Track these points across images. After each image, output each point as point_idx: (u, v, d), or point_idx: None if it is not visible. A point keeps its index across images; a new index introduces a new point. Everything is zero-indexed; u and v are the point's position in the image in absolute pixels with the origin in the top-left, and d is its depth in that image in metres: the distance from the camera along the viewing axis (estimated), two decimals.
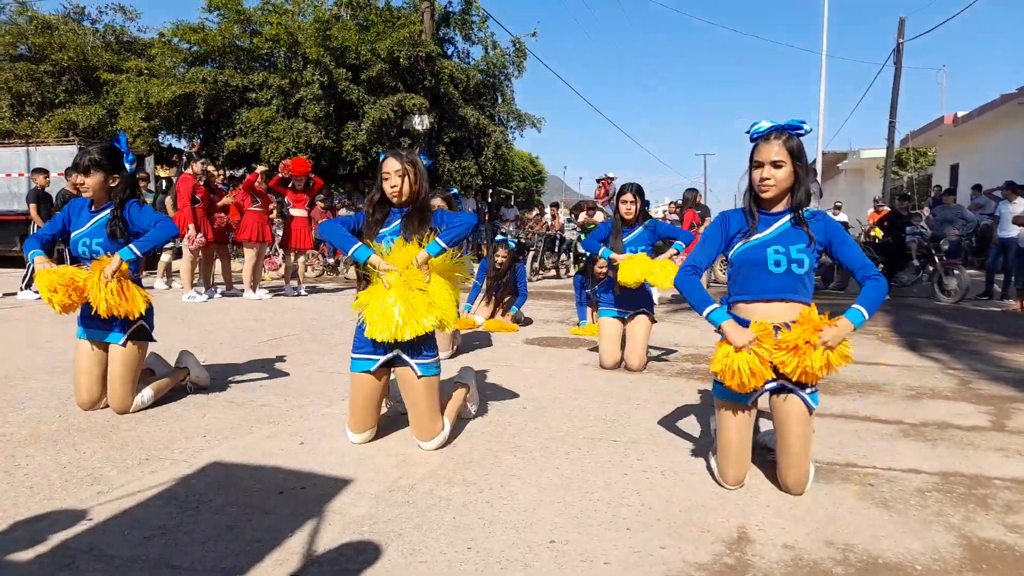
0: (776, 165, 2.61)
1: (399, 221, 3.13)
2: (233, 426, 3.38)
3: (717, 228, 2.79)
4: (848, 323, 2.52)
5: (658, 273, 4.64)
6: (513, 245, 7.34)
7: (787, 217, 2.66)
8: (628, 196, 4.94)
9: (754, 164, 2.66)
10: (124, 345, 3.56)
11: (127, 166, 3.66)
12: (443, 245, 2.98)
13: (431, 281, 2.95)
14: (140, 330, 3.63)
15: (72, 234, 3.60)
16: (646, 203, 5.06)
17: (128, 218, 3.57)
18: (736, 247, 2.71)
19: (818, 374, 2.52)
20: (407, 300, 2.87)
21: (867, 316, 2.55)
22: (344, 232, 3.07)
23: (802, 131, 2.64)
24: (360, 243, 2.99)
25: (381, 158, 3.18)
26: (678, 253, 4.97)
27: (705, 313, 2.66)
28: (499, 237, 7.67)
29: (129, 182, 3.67)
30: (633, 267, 4.67)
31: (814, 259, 2.63)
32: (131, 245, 3.49)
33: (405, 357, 3.06)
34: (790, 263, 2.60)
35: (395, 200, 3.11)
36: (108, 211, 3.57)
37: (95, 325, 3.59)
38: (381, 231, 3.13)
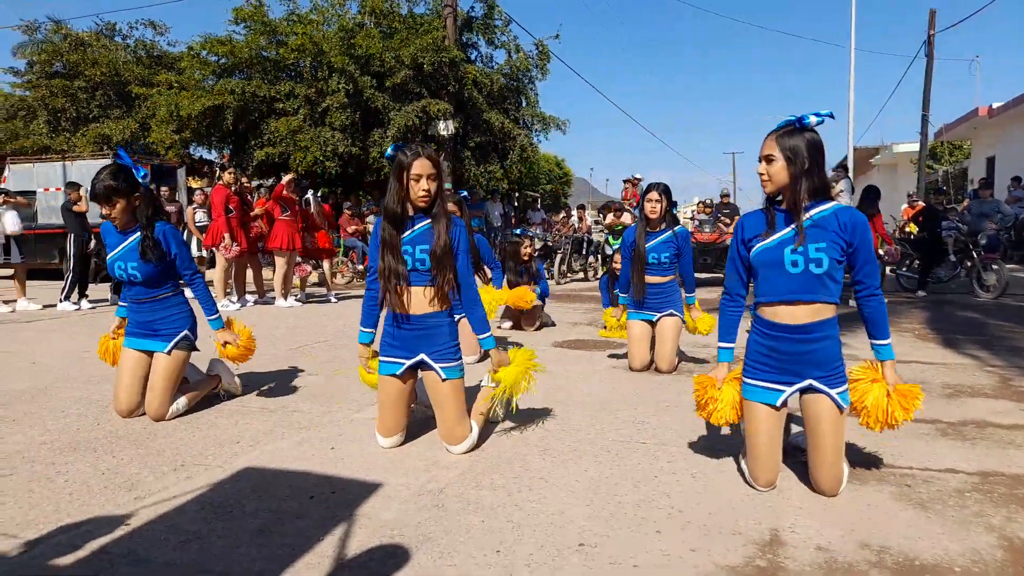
0: (768, 160, 2.58)
1: (417, 228, 3.05)
2: (265, 432, 3.43)
3: (735, 245, 2.78)
4: (892, 363, 2.68)
5: (702, 323, 5.00)
6: (532, 235, 7.42)
7: (807, 214, 2.56)
8: (654, 195, 4.89)
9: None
10: (169, 353, 3.66)
11: (139, 179, 3.64)
12: (492, 335, 3.19)
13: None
14: (184, 340, 3.75)
15: (108, 257, 3.70)
16: (673, 204, 5.01)
17: (160, 240, 3.64)
18: (755, 248, 2.66)
19: (900, 417, 2.59)
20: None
21: (890, 343, 2.68)
22: (371, 312, 3.28)
23: (805, 122, 2.55)
24: (372, 330, 3.28)
25: (389, 153, 3.04)
26: (690, 307, 5.03)
27: (718, 345, 2.88)
28: (519, 230, 7.71)
29: (150, 198, 3.69)
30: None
31: (838, 255, 2.53)
32: (209, 321, 3.81)
33: (429, 361, 3.08)
34: (807, 263, 2.52)
35: (422, 204, 3.00)
36: (137, 233, 3.63)
37: (141, 335, 3.72)
38: (403, 243, 3.05)
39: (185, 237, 10.72)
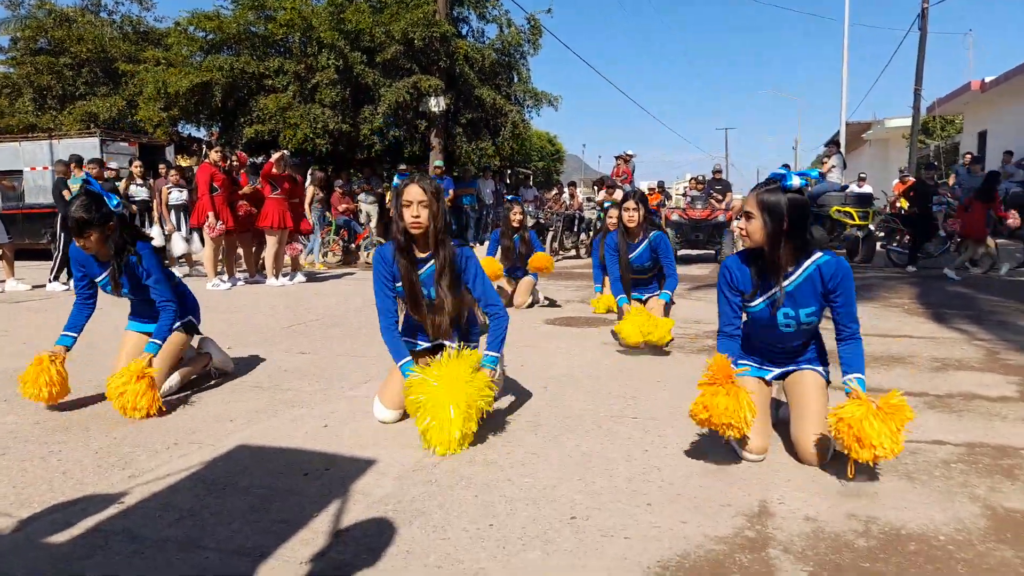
0: (747, 216, 2.60)
1: (427, 269, 3.10)
2: (258, 410, 3.44)
3: (724, 287, 2.76)
4: (861, 392, 2.54)
5: (658, 330, 4.56)
6: (525, 197, 7.43)
7: (796, 273, 2.61)
8: (631, 203, 4.87)
9: None
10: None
11: (111, 208, 3.51)
12: (498, 356, 3.09)
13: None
14: (188, 324, 3.81)
15: (96, 280, 3.69)
16: (650, 212, 5.02)
17: (135, 265, 3.58)
18: (748, 308, 2.73)
19: (890, 447, 2.36)
20: (460, 406, 2.77)
21: (864, 378, 2.62)
22: (399, 345, 3.10)
23: (788, 184, 2.51)
24: (408, 357, 3.05)
25: (397, 183, 3.08)
26: (666, 304, 4.95)
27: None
28: (511, 197, 7.68)
29: (122, 225, 3.56)
30: (635, 326, 4.56)
31: (825, 309, 2.66)
32: (154, 340, 3.54)
33: (447, 343, 3.17)
34: (799, 323, 2.66)
35: (415, 231, 3.00)
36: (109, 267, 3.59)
37: (144, 319, 3.77)
38: (421, 274, 3.10)
39: (157, 216, 10.61)
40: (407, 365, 3.00)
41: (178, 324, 3.74)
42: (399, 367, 3.02)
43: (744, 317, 2.79)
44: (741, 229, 2.62)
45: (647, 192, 16.29)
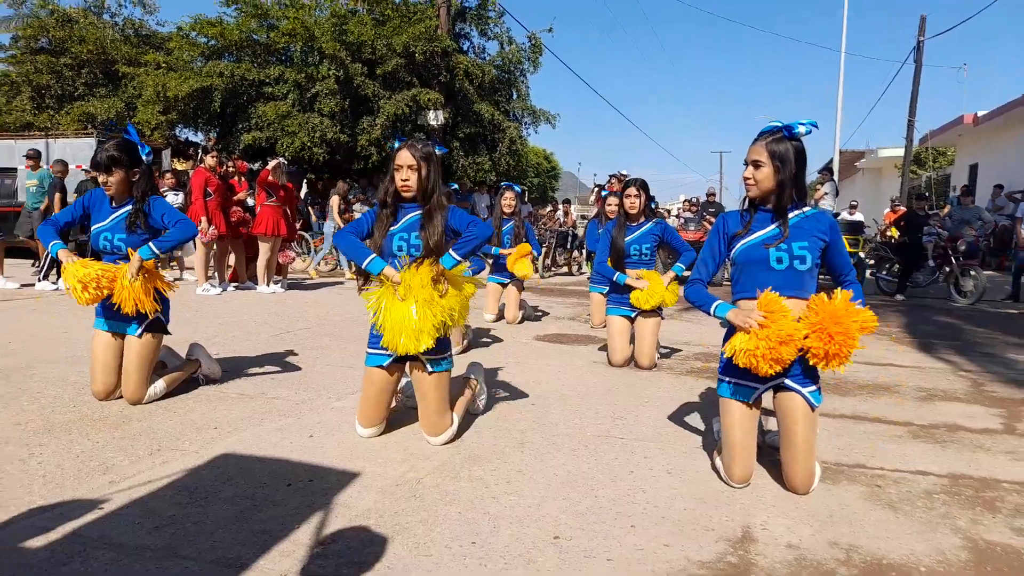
0: (756, 165, 2.65)
1: (410, 217, 3.11)
2: (244, 418, 3.42)
3: (716, 234, 2.82)
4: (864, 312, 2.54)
5: (667, 294, 4.80)
6: (519, 189, 7.30)
7: (790, 214, 2.67)
8: (632, 190, 4.95)
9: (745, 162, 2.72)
10: (140, 336, 3.61)
11: (144, 158, 3.69)
12: (458, 258, 3.00)
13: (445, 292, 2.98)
14: (156, 323, 3.69)
15: (93, 228, 3.65)
16: (651, 199, 5.07)
17: (149, 212, 3.63)
18: (737, 246, 2.72)
19: (844, 353, 2.47)
20: (422, 310, 2.87)
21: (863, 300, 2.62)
22: (357, 243, 3.06)
23: (794, 132, 2.61)
24: (374, 255, 3.01)
25: (393, 148, 3.16)
26: (677, 277, 4.95)
27: (712, 309, 2.70)
28: (505, 183, 7.57)
29: (148, 175, 3.71)
30: (647, 295, 4.75)
31: (817, 255, 2.65)
32: (151, 244, 3.54)
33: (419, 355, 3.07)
34: (792, 259, 2.62)
35: (405, 194, 3.08)
36: (129, 206, 3.62)
37: (113, 316, 3.64)
38: (392, 229, 3.11)
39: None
40: (375, 264, 2.98)
41: (147, 323, 3.65)
42: (366, 266, 2.98)
43: (731, 271, 2.80)
44: (748, 178, 2.68)
45: (620, 177, 16.23)
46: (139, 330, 3.62)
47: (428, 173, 3.08)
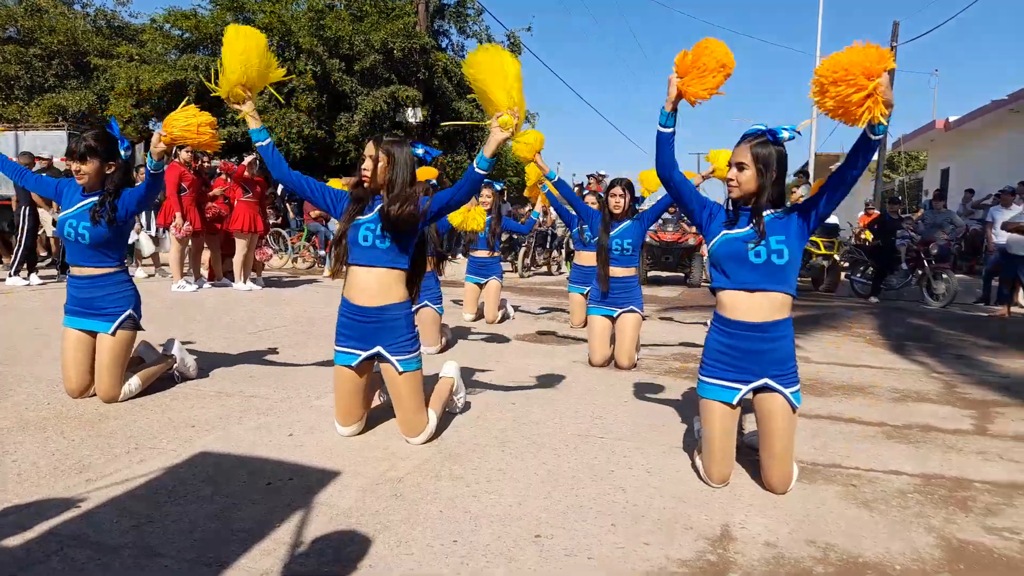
0: (740, 167, 2.69)
1: (375, 208, 3.07)
2: (222, 417, 3.39)
3: (703, 196, 2.91)
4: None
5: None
6: (499, 187, 7.26)
7: (767, 212, 2.70)
8: (617, 190, 4.98)
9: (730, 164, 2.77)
10: (113, 334, 3.56)
11: (122, 152, 3.64)
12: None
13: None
14: (129, 320, 3.63)
15: (60, 215, 3.61)
16: (636, 199, 5.11)
17: (119, 205, 3.56)
18: (715, 239, 2.76)
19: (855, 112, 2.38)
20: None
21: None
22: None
23: (779, 136, 2.66)
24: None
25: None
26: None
27: (661, 121, 2.81)
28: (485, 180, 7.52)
29: (125, 170, 3.65)
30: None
31: (796, 248, 2.66)
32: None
33: (386, 354, 3.05)
34: (770, 253, 2.63)
35: (365, 183, 3.06)
36: (97, 196, 3.56)
37: (82, 314, 3.58)
38: (359, 219, 3.06)
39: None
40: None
41: (120, 320, 3.60)
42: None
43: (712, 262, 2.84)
44: (731, 179, 2.72)
45: (598, 176, 16.26)
46: (112, 328, 3.56)
47: (390, 165, 3.04)
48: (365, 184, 3.07)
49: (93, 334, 3.60)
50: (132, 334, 3.67)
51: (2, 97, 19.16)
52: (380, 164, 3.03)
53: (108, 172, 3.58)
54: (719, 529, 2.34)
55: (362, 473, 2.71)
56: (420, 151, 3.22)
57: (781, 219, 2.70)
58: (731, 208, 2.80)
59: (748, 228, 2.70)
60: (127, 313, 3.63)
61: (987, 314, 9.14)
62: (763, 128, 2.70)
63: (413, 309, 3.21)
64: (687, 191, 2.87)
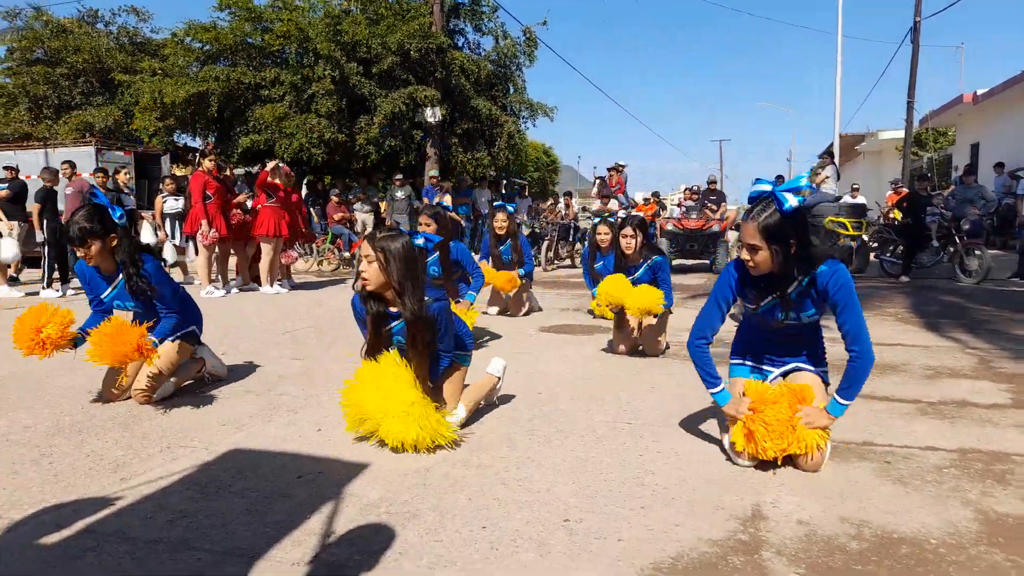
0: (752, 249, 2.54)
1: (396, 327, 3.02)
2: (252, 415, 3.43)
3: (726, 286, 2.75)
4: (828, 416, 2.60)
5: (652, 303, 4.58)
6: (512, 209, 7.14)
7: (793, 285, 2.59)
8: (628, 230, 4.80)
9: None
10: (174, 341, 3.73)
11: (116, 221, 3.57)
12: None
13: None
14: (191, 334, 3.84)
15: (103, 297, 3.70)
16: (648, 236, 4.90)
17: (147, 275, 3.61)
18: (749, 308, 2.76)
19: (795, 451, 2.57)
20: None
21: (845, 405, 2.59)
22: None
23: (785, 208, 2.44)
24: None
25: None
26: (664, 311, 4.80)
27: (711, 392, 2.76)
28: (497, 203, 7.44)
29: (127, 237, 3.63)
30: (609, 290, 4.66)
31: (826, 308, 2.64)
32: (150, 338, 3.57)
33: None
34: (800, 322, 2.67)
35: (367, 287, 2.93)
36: (121, 275, 3.62)
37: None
38: (393, 326, 3.01)
39: (154, 225, 10.58)
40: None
41: (180, 333, 3.75)
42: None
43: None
44: (748, 261, 2.57)
45: (642, 202, 16.38)
46: (175, 337, 3.73)
47: (396, 268, 2.86)
48: (367, 288, 2.93)
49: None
50: (189, 347, 3.84)
51: (32, 116, 19.60)
52: (384, 266, 2.87)
53: (113, 246, 3.58)
54: (750, 509, 2.31)
55: (390, 465, 2.73)
56: (420, 241, 3.00)
57: (806, 295, 2.59)
58: (751, 286, 2.70)
59: (773, 298, 2.63)
60: (190, 329, 3.84)
61: (1022, 288, 8.92)
62: (766, 191, 2.51)
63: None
64: (725, 314, 2.80)
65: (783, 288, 2.57)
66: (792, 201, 2.42)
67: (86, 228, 3.46)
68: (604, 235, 5.60)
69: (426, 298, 2.93)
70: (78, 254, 3.56)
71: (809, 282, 2.57)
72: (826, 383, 2.69)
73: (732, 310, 2.83)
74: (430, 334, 2.94)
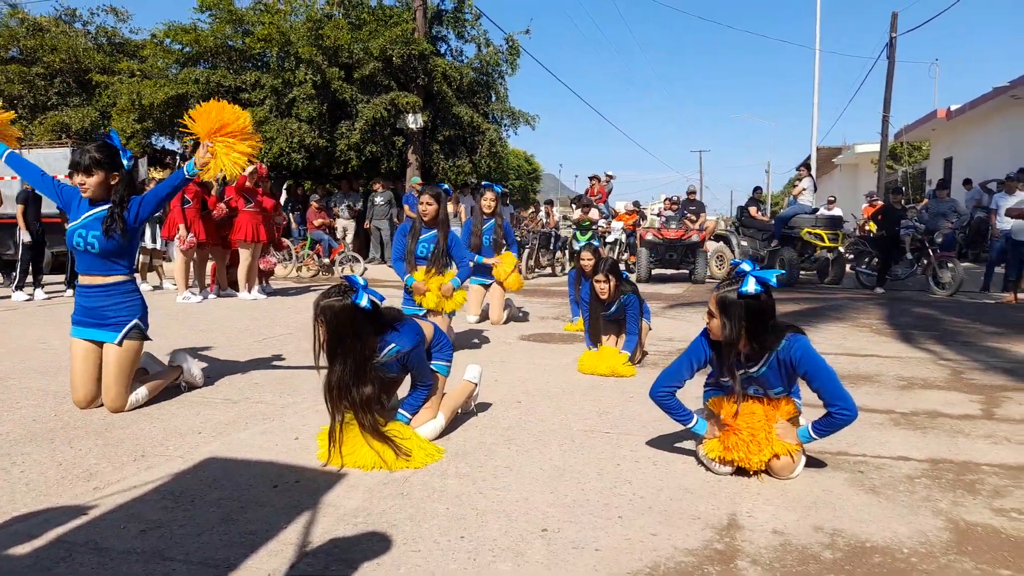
0: (709, 314, 2.67)
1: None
2: (228, 423, 3.40)
3: (701, 348, 2.80)
4: (796, 438, 2.69)
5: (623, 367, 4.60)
6: (499, 189, 7.29)
7: (760, 363, 2.67)
8: (601, 277, 4.81)
9: None
10: (120, 344, 3.57)
11: (124, 162, 3.67)
12: (407, 416, 3.09)
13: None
14: (135, 329, 3.65)
15: (68, 225, 3.62)
16: (620, 279, 4.93)
17: (126, 217, 3.59)
18: (715, 375, 2.88)
19: (758, 466, 2.67)
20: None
21: (814, 438, 2.69)
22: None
23: (744, 292, 2.53)
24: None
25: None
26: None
27: (689, 427, 2.82)
28: (485, 183, 7.52)
29: (129, 181, 3.68)
30: (596, 363, 4.66)
31: (795, 382, 2.77)
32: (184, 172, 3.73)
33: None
34: (766, 392, 2.77)
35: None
36: (106, 207, 3.58)
37: (89, 324, 3.60)
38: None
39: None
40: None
41: (126, 330, 3.62)
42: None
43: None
44: (708, 323, 2.70)
45: (623, 211, 16.48)
46: (118, 338, 3.58)
47: (332, 333, 2.82)
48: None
49: (100, 344, 3.61)
50: (139, 344, 3.69)
51: None
52: (320, 328, 2.83)
53: (113, 183, 3.60)
54: (726, 518, 2.33)
55: (368, 474, 2.72)
56: (364, 301, 2.82)
57: (771, 371, 2.67)
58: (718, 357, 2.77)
59: (740, 373, 2.72)
60: (133, 323, 3.65)
61: (993, 301, 9.10)
62: (742, 271, 2.60)
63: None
64: (695, 372, 2.84)
65: (734, 371, 2.69)
66: (751, 287, 2.53)
67: (96, 157, 3.53)
68: (587, 261, 5.70)
69: (390, 345, 2.93)
70: (74, 180, 3.56)
71: (770, 364, 2.66)
72: (799, 412, 2.78)
73: None
74: (375, 390, 2.89)
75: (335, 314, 2.77)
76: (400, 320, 3.04)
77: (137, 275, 9.76)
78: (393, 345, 2.94)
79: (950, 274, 9.70)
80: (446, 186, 6.27)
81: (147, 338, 3.75)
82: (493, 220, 6.99)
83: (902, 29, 22.29)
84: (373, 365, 2.88)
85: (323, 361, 2.87)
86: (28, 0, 21.64)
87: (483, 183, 7.81)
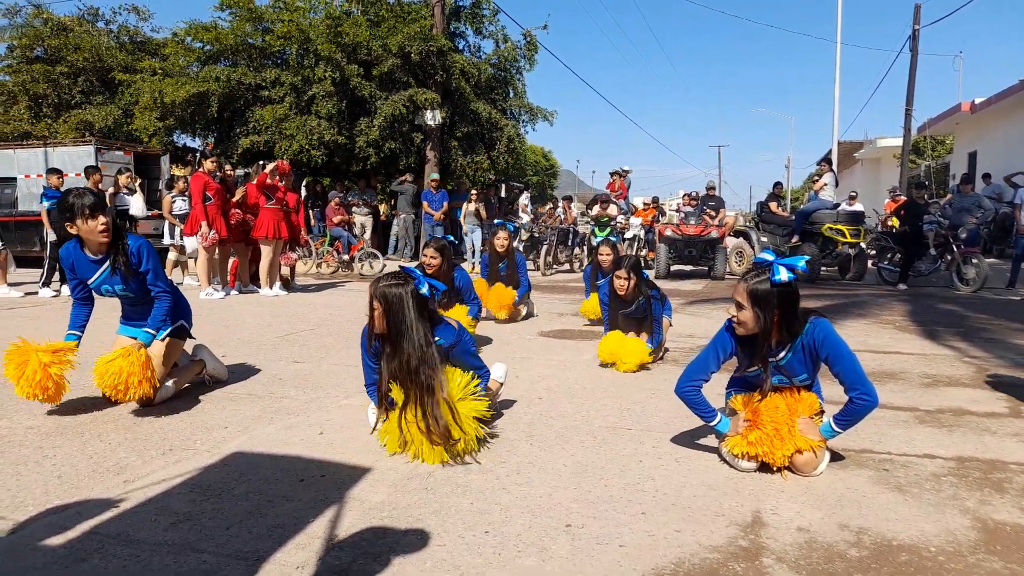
0: (738, 306, 2.66)
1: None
2: (253, 417, 3.44)
3: (726, 340, 2.81)
4: (819, 433, 2.68)
5: (631, 356, 4.56)
6: (512, 228, 7.21)
7: (784, 351, 2.69)
8: (623, 272, 4.81)
9: None
10: (163, 340, 3.72)
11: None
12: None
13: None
14: (180, 328, 3.83)
15: (89, 282, 3.66)
16: (642, 278, 4.93)
17: (133, 256, 3.62)
18: (741, 367, 2.86)
19: (781, 461, 2.65)
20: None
21: (837, 432, 2.67)
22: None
23: (776, 279, 2.54)
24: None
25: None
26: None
27: (713, 424, 2.82)
28: (498, 221, 7.54)
29: (113, 221, 3.63)
30: (616, 345, 4.66)
31: (818, 367, 2.75)
32: (147, 329, 3.63)
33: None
34: (792, 384, 2.78)
35: (375, 330, 2.92)
36: (107, 262, 3.60)
37: (135, 322, 3.77)
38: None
39: (167, 227, 10.63)
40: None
41: (170, 328, 3.73)
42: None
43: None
44: (734, 317, 2.69)
45: (642, 207, 16.42)
46: (164, 334, 3.73)
47: (386, 312, 2.83)
48: (375, 331, 2.93)
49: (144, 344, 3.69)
50: (181, 342, 3.85)
51: (31, 115, 19.57)
52: (377, 312, 2.86)
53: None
54: (750, 515, 2.33)
55: (393, 468, 2.74)
56: (424, 290, 2.88)
57: (796, 359, 2.69)
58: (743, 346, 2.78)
59: (758, 367, 2.74)
60: (179, 324, 3.83)
61: (1019, 297, 8.96)
62: (766, 260, 2.63)
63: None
64: (719, 365, 2.85)
65: (766, 360, 2.70)
66: (783, 275, 2.54)
67: (95, 202, 3.48)
68: (606, 256, 5.70)
69: (436, 338, 2.93)
70: (82, 228, 3.47)
71: (796, 350, 2.68)
72: (821, 409, 2.78)
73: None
74: (432, 374, 2.86)
75: (398, 298, 2.81)
76: (438, 319, 3.06)
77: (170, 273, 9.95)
78: (439, 338, 2.97)
79: (974, 270, 9.56)
80: (451, 237, 6.14)
81: (190, 336, 3.94)
82: (507, 260, 6.95)
83: (925, 22, 21.99)
84: (435, 349, 2.90)
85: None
86: (52, 0, 21.99)
87: (495, 221, 7.75)
